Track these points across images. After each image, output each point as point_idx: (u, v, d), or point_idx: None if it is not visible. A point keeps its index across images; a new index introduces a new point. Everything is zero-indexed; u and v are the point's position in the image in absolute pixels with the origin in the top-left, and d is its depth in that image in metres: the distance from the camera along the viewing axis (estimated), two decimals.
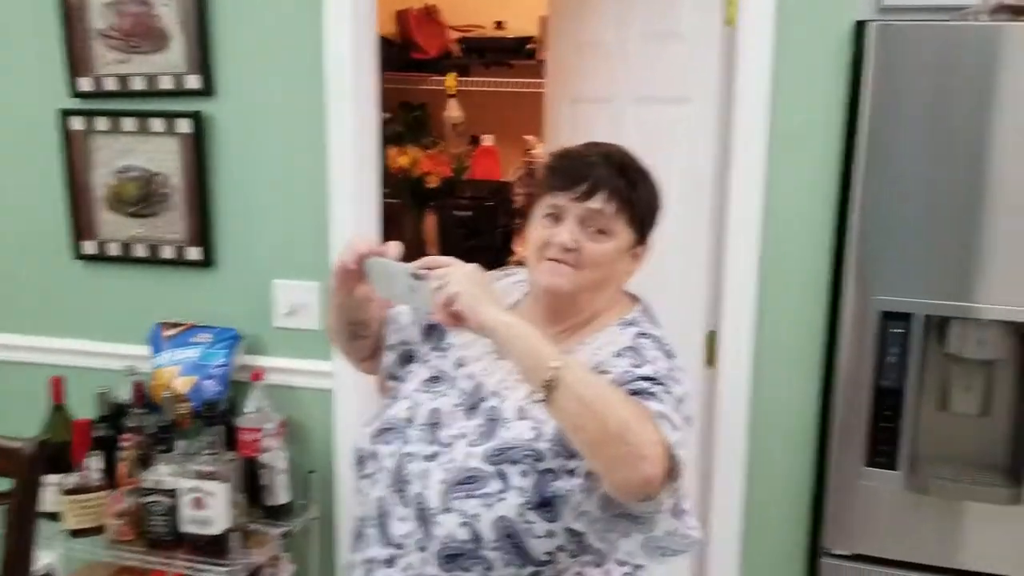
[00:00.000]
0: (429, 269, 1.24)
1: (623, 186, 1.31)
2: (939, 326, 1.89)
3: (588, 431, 1.12)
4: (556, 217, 1.32)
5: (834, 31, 1.95)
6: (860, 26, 1.88)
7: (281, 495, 2.12)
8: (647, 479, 1.10)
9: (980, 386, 1.92)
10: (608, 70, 2.36)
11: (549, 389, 1.12)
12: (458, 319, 1.19)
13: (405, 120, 3.51)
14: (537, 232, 1.33)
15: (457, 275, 1.21)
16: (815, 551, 2.05)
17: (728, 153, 2.05)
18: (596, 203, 1.29)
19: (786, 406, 2.09)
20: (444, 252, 3.43)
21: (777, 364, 2.08)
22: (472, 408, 1.33)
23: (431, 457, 1.29)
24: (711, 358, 2.16)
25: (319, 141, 2.14)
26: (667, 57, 2.20)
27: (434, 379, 1.39)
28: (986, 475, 1.91)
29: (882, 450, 1.93)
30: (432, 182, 3.37)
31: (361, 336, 1.48)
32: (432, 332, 1.45)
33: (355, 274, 1.34)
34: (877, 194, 1.87)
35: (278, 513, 2.12)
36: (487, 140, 3.63)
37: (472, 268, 1.24)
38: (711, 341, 2.15)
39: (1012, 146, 1.77)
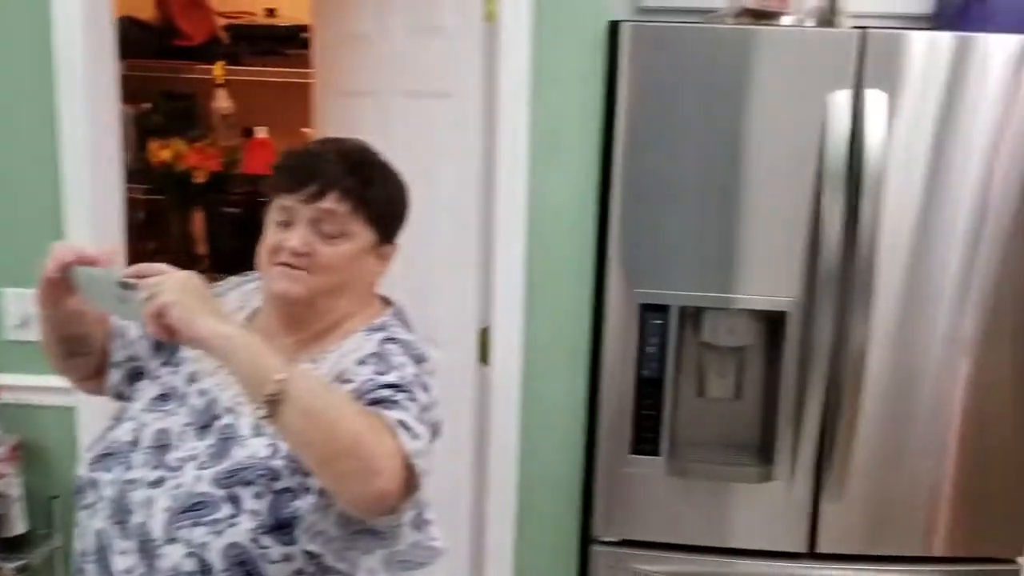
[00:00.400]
0: (141, 277, 1.13)
1: (356, 184, 1.24)
2: (694, 316, 1.97)
3: (316, 447, 1.06)
4: (287, 220, 1.24)
5: (590, 30, 1.97)
6: (615, 26, 1.92)
7: (17, 525, 1.96)
8: (382, 493, 1.06)
9: (733, 371, 2.02)
10: (374, 63, 2.29)
11: (273, 404, 1.04)
12: (171, 332, 1.09)
13: (166, 110, 3.28)
14: (268, 236, 1.26)
15: (169, 284, 1.11)
16: (586, 539, 2.08)
17: (493, 149, 2.04)
18: (327, 203, 1.23)
19: (557, 400, 2.12)
20: (213, 251, 3.30)
21: (547, 359, 2.10)
22: (205, 427, 1.23)
23: (156, 483, 1.18)
24: (485, 355, 2.15)
25: (49, 135, 1.96)
26: (431, 51, 2.16)
27: (163, 397, 1.28)
28: (740, 456, 2.02)
29: (645, 437, 1.99)
30: (199, 177, 3.16)
31: (81, 353, 1.34)
32: (163, 345, 1.33)
33: (61, 284, 1.20)
34: (635, 191, 1.91)
35: (15, 545, 1.96)
36: (261, 132, 3.45)
37: (186, 276, 1.14)
38: (484, 338, 2.15)
39: (761, 146, 1.86)
